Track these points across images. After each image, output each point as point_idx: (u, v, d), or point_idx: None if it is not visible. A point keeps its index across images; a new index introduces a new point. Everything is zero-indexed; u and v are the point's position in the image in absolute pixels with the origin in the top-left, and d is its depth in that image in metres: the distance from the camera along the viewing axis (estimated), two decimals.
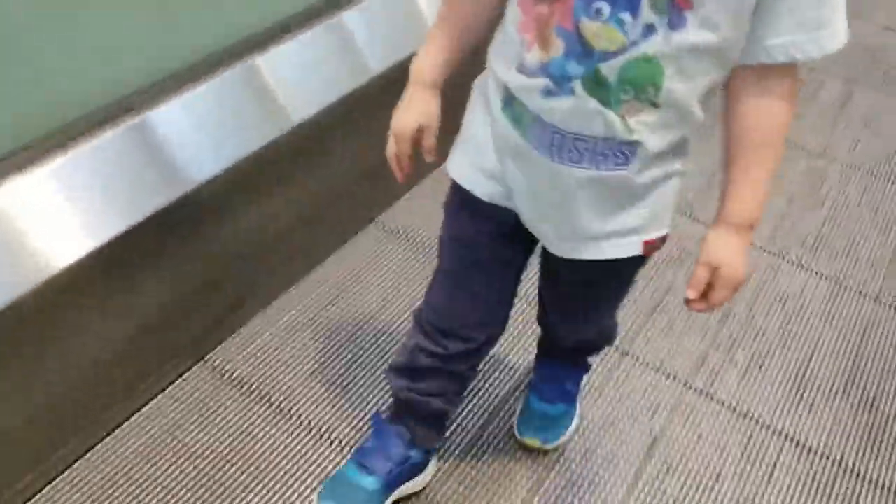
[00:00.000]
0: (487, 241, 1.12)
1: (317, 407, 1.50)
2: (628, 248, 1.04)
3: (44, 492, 1.31)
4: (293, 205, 1.64)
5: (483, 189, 1.07)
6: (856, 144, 2.37)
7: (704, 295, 1.00)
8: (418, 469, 1.36)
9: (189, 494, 1.34)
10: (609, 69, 0.87)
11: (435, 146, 1.07)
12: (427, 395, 1.26)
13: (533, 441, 1.45)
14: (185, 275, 1.45)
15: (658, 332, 1.72)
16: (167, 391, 1.48)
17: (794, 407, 1.61)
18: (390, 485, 1.32)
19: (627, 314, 1.73)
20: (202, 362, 1.54)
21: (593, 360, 1.47)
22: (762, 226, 1.98)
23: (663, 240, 1.06)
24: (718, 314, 1.78)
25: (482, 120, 1.04)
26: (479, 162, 1.06)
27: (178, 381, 1.50)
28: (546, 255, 1.16)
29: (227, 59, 1.45)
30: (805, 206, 2.11)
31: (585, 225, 1.01)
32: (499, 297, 1.19)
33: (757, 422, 1.57)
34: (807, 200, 2.14)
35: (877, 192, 2.20)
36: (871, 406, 1.63)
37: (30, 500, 1.30)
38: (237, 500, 1.34)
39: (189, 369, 1.53)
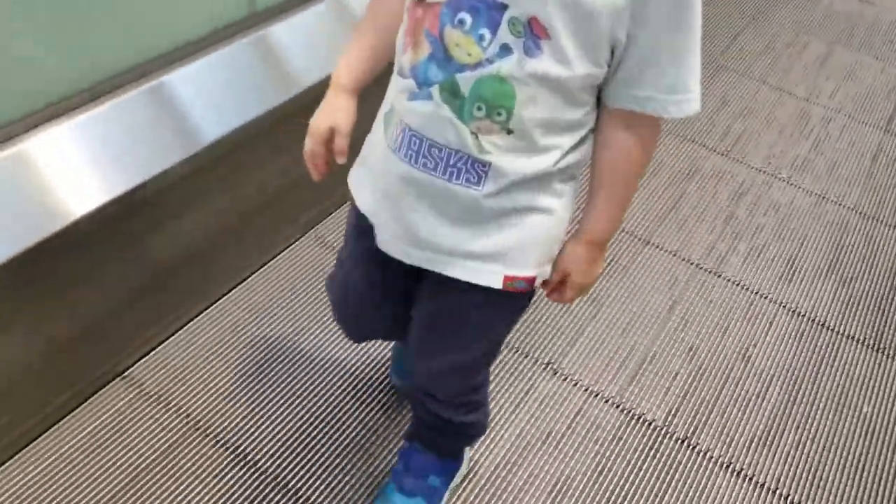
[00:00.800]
0: (365, 254, 1.11)
1: (235, 425, 1.45)
2: (487, 276, 1.01)
3: None
4: (220, 215, 1.59)
5: (364, 199, 1.07)
6: (836, 92, 2.72)
7: (557, 289, 1.07)
8: (456, 467, 1.40)
9: None
10: (464, 81, 0.89)
11: (345, 149, 1.05)
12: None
13: None
14: (105, 290, 1.40)
15: (674, 227, 2.06)
16: (84, 406, 1.44)
17: (787, 283, 1.96)
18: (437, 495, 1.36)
19: (646, 213, 2.06)
20: (121, 378, 1.49)
21: (462, 460, 1.39)
22: (758, 151, 2.34)
23: (530, 282, 1.03)
24: (724, 215, 2.12)
25: (372, 131, 1.06)
26: (361, 172, 1.09)
27: (95, 397, 1.45)
28: (413, 291, 1.14)
29: (136, 77, 1.40)
30: (793, 139, 2.46)
31: (440, 238, 1.00)
32: (380, 313, 1.21)
33: (756, 293, 1.92)
34: (795, 134, 2.48)
35: (853, 129, 2.56)
36: (849, 283, 1.98)
37: None
38: None
39: (107, 384, 1.47)
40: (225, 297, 1.67)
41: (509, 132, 0.91)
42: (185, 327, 1.60)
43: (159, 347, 1.56)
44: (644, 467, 1.51)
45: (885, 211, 2.25)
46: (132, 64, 1.39)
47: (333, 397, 1.53)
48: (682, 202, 2.14)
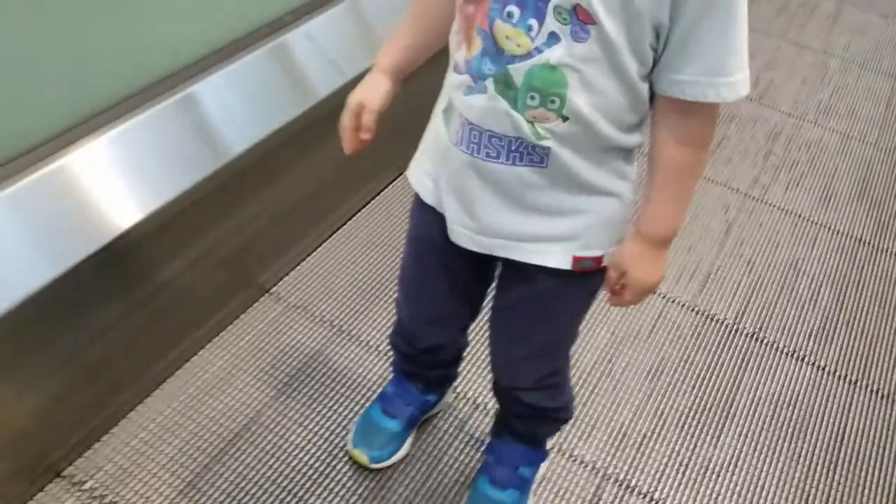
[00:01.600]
0: (439, 243, 1.10)
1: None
2: (554, 257, 1.02)
3: None
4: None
5: (426, 190, 1.10)
6: (849, 45, 2.98)
7: (617, 292, 1.04)
8: (436, 403, 1.48)
9: None
10: (516, 72, 0.89)
11: (371, 126, 1.07)
12: (422, 373, 1.40)
13: None
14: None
15: (721, 163, 2.30)
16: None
17: (825, 207, 2.21)
18: (413, 422, 1.44)
19: None
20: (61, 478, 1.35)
21: (547, 451, 1.41)
22: (786, 98, 2.59)
23: (598, 262, 1.04)
24: (763, 151, 2.36)
25: (430, 127, 1.08)
26: (423, 164, 1.10)
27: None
28: (482, 285, 1.20)
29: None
30: (815, 86, 2.71)
31: (506, 224, 1.01)
32: (451, 300, 1.21)
33: (799, 216, 2.16)
34: (816, 82, 2.73)
35: (867, 77, 2.81)
36: (879, 205, 2.24)
37: None
38: None
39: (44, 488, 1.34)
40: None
41: (565, 119, 0.91)
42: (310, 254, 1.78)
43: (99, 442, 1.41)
44: (722, 356, 1.75)
45: None
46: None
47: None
48: (724, 142, 2.38)
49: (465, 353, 1.42)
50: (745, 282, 1.94)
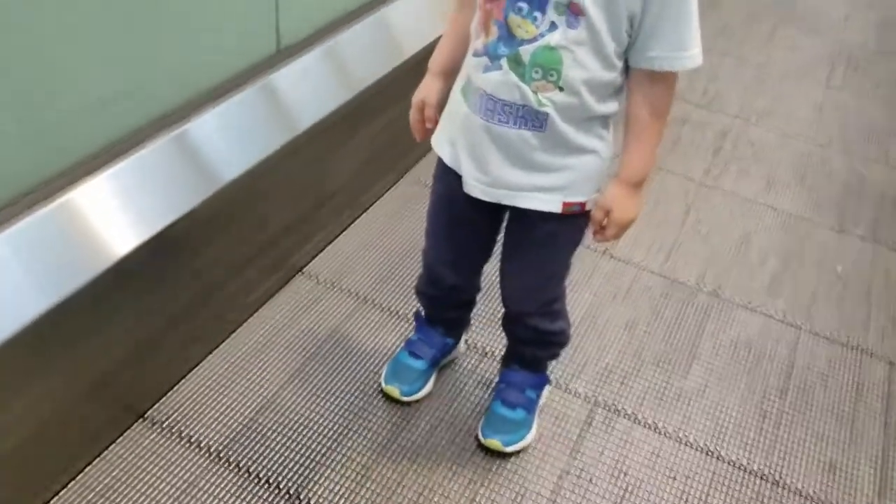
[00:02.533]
0: (458, 197, 1.36)
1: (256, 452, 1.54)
2: (549, 204, 1.28)
3: None
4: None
5: (446, 154, 1.36)
6: (784, 59, 3.38)
7: (602, 229, 1.31)
8: (454, 345, 1.74)
9: None
10: (525, 52, 1.16)
11: (433, 116, 1.39)
12: (443, 314, 1.68)
13: (494, 442, 1.58)
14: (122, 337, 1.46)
15: (678, 157, 2.64)
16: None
17: (769, 191, 2.55)
18: (435, 362, 1.70)
19: None
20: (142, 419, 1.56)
21: (548, 377, 1.67)
22: (731, 104, 2.94)
23: (583, 206, 1.30)
24: (713, 148, 2.71)
25: (450, 103, 1.35)
26: (444, 133, 1.37)
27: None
28: (494, 230, 1.46)
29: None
30: (756, 94, 3.09)
31: (511, 177, 1.27)
32: (472, 259, 1.53)
33: (747, 199, 2.50)
34: (757, 91, 3.11)
35: (801, 87, 3.20)
36: (815, 190, 2.59)
37: None
38: None
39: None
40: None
41: (561, 89, 1.17)
42: (195, 369, 1.72)
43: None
44: (687, 310, 2.06)
45: (834, 141, 2.88)
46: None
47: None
48: (680, 141, 2.73)
49: (476, 305, 1.71)
50: (703, 252, 2.27)
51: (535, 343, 1.59)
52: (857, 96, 3.21)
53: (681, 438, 1.73)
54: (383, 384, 1.70)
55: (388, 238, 2.14)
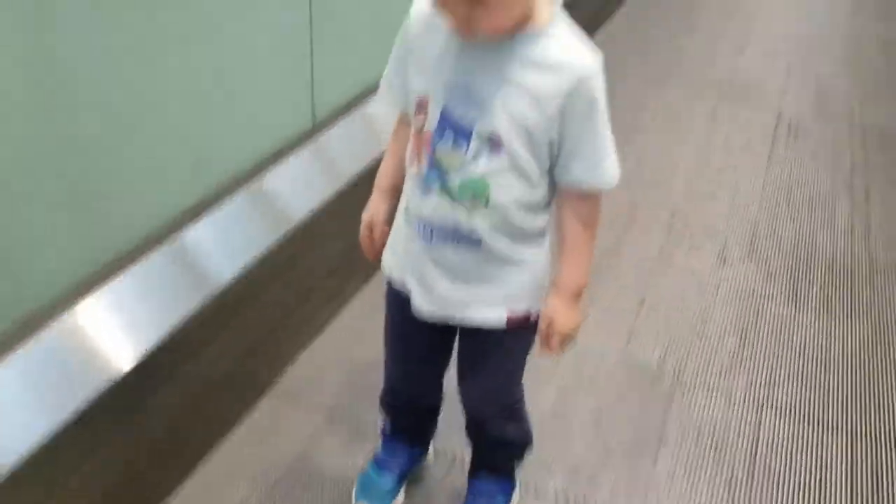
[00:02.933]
0: (409, 317, 1.39)
1: None
2: (493, 317, 1.33)
3: None
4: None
5: (393, 276, 1.41)
6: (727, 134, 3.50)
7: (546, 341, 1.35)
8: (423, 454, 1.76)
9: None
10: (454, 180, 1.22)
11: (383, 236, 1.43)
12: (408, 424, 1.69)
13: None
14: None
15: (631, 239, 2.71)
16: None
17: (722, 264, 2.62)
18: (403, 475, 1.70)
19: (610, 228, 2.71)
20: None
21: (516, 482, 1.69)
22: (679, 182, 3.03)
23: (527, 318, 1.35)
24: (665, 227, 2.78)
25: (397, 225, 1.39)
26: (392, 255, 1.41)
27: None
28: (449, 341, 1.48)
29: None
30: (702, 171, 3.19)
31: (457, 295, 1.32)
32: (430, 371, 1.56)
33: (701, 274, 2.57)
34: (703, 168, 3.22)
35: (744, 163, 3.31)
36: (765, 261, 2.66)
37: None
38: None
39: None
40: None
41: (490, 210, 1.24)
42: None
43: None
44: (651, 395, 2.09)
45: (781, 211, 2.97)
46: None
47: None
48: (633, 223, 2.81)
49: (440, 413, 1.71)
50: (662, 333, 2.31)
51: (498, 447, 1.61)
52: (800, 165, 3.33)
53: None
54: (353, 500, 1.70)
55: (358, 348, 2.16)
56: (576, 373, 2.14)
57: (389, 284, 1.44)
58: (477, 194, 1.22)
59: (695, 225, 2.84)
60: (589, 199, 1.29)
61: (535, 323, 1.36)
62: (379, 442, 1.77)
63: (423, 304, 1.36)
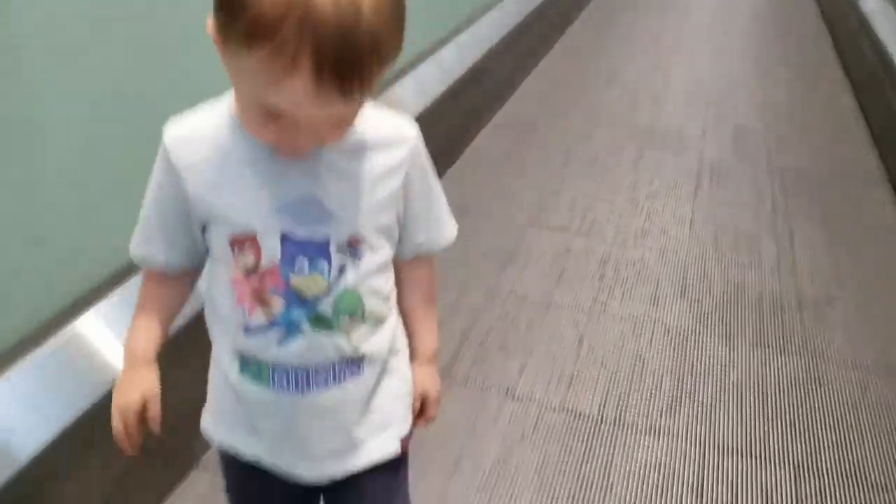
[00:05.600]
0: (270, 493, 1.19)
1: None
2: (389, 447, 1.16)
3: None
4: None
5: (247, 449, 1.15)
6: (652, 179, 3.57)
7: (421, 415, 1.24)
8: None
9: None
10: (325, 307, 1.03)
11: (159, 416, 1.12)
12: None
13: None
14: None
15: (564, 290, 2.71)
16: None
17: (655, 307, 2.64)
18: None
19: (542, 282, 2.71)
20: None
21: None
22: (608, 229, 3.06)
23: (410, 435, 1.21)
24: (598, 275, 2.80)
25: (223, 389, 1.13)
26: (236, 427, 1.15)
27: None
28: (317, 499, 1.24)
29: None
30: (631, 217, 3.24)
31: (345, 439, 1.13)
32: None
33: (636, 319, 2.58)
34: (631, 214, 3.27)
35: (671, 203, 3.38)
36: (696, 302, 2.70)
37: None
38: None
39: None
40: None
41: (367, 321, 1.08)
42: None
43: None
44: (593, 442, 2.07)
45: (708, 252, 3.03)
46: None
47: None
48: (565, 273, 2.82)
49: None
50: (601, 378, 2.30)
51: None
52: (723, 205, 3.40)
53: None
54: None
55: None
56: (518, 424, 2.11)
57: (235, 461, 1.19)
58: (353, 309, 1.06)
59: (626, 270, 2.87)
60: (432, 262, 1.23)
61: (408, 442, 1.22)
62: None
63: (305, 471, 1.14)
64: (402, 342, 1.21)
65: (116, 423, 1.11)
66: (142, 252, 1.11)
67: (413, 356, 1.23)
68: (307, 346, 1.05)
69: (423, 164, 1.12)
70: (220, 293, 1.06)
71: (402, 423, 1.19)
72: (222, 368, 1.11)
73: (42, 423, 1.51)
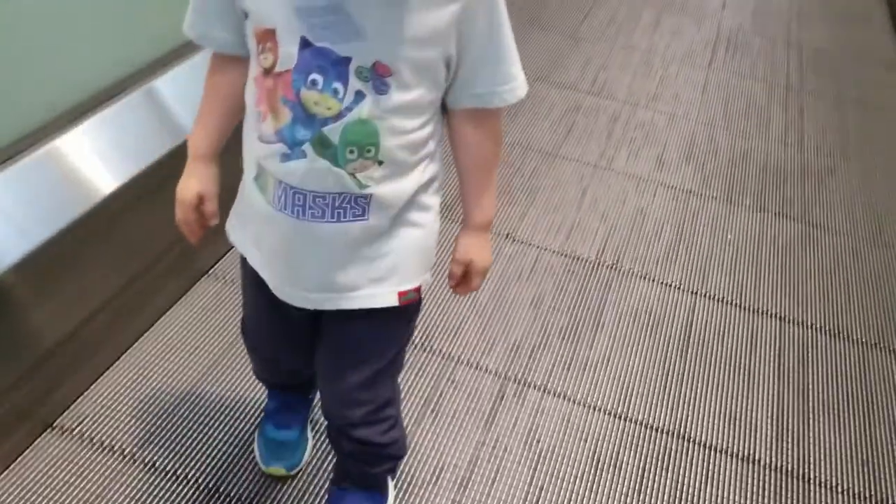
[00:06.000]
0: (274, 300, 1.15)
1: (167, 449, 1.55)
2: (382, 298, 1.10)
3: None
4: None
5: (252, 256, 1.15)
6: (669, 45, 3.52)
7: (463, 282, 1.17)
8: (384, 499, 1.45)
9: None
10: (332, 132, 0.96)
11: (215, 211, 1.14)
12: (292, 382, 1.47)
13: None
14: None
15: (573, 143, 2.73)
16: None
17: (660, 170, 2.66)
18: (305, 424, 1.54)
19: (552, 135, 2.73)
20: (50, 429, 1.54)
21: (389, 493, 1.45)
22: (620, 89, 3.05)
23: (418, 292, 1.13)
24: (605, 132, 2.81)
25: (243, 192, 1.13)
26: (246, 233, 1.15)
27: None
28: (319, 324, 1.20)
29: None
30: (644, 79, 3.22)
31: (333, 277, 1.07)
32: (291, 339, 1.27)
33: (639, 178, 2.60)
34: (645, 76, 3.24)
35: (685, 70, 3.35)
36: (701, 166, 2.72)
37: None
38: None
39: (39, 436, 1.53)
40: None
41: (381, 163, 0.99)
42: (104, 374, 1.68)
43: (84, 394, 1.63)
44: (589, 283, 2.14)
45: (718, 119, 3.02)
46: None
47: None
48: (574, 127, 2.82)
49: None
50: (601, 229, 2.35)
51: (363, 458, 1.35)
52: (737, 76, 3.37)
53: (589, 404, 1.79)
54: (264, 468, 1.52)
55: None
56: (515, 263, 2.17)
57: (246, 262, 1.20)
58: (365, 145, 0.98)
59: (634, 130, 2.87)
60: (492, 118, 1.09)
61: (420, 302, 1.19)
62: (267, 401, 1.57)
63: (292, 292, 1.13)
64: (436, 200, 1.13)
65: (178, 213, 1.15)
66: (198, 30, 1.09)
67: (465, 221, 1.15)
68: (306, 170, 0.99)
69: (490, 3, 0.99)
70: (248, 91, 1.04)
71: (410, 277, 1.12)
72: (245, 169, 1.11)
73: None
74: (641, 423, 1.76)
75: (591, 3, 3.75)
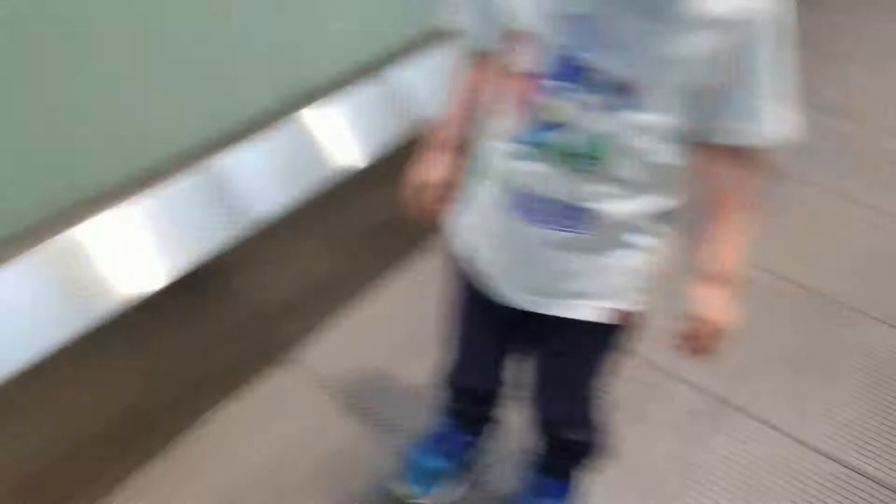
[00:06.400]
0: (483, 300, 1.18)
1: None
2: (592, 311, 1.10)
3: None
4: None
5: (473, 254, 1.17)
6: None
7: (692, 342, 1.09)
8: (474, 443, 1.54)
9: None
10: (571, 140, 0.96)
11: (443, 198, 1.21)
12: (464, 406, 1.49)
13: None
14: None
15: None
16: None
17: None
18: (459, 463, 1.52)
19: None
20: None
21: (578, 484, 1.48)
22: None
23: (628, 315, 1.12)
24: None
25: (472, 188, 1.14)
26: (468, 226, 1.18)
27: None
28: (531, 330, 1.21)
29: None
30: None
31: (550, 282, 1.09)
32: (499, 356, 1.33)
33: None
34: None
35: None
36: None
37: None
38: None
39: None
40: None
41: (608, 179, 0.98)
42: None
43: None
44: (827, 323, 2.08)
45: None
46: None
47: None
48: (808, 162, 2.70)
49: (505, 402, 1.50)
50: (847, 265, 2.27)
51: (561, 452, 1.43)
52: None
53: (803, 441, 1.77)
54: (406, 488, 1.53)
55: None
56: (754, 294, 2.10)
57: (457, 262, 1.23)
58: (597, 158, 0.97)
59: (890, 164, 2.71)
60: (744, 159, 1.01)
61: (632, 325, 1.18)
62: (430, 423, 1.61)
63: (514, 292, 1.14)
64: (667, 230, 1.10)
65: (406, 197, 1.24)
66: (456, 20, 1.13)
67: (699, 270, 1.07)
68: (538, 173, 1.01)
69: (760, 32, 0.92)
70: (489, 88, 1.09)
71: (621, 298, 1.12)
72: (477, 163, 1.13)
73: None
74: (856, 470, 1.73)
75: (845, 22, 3.38)
